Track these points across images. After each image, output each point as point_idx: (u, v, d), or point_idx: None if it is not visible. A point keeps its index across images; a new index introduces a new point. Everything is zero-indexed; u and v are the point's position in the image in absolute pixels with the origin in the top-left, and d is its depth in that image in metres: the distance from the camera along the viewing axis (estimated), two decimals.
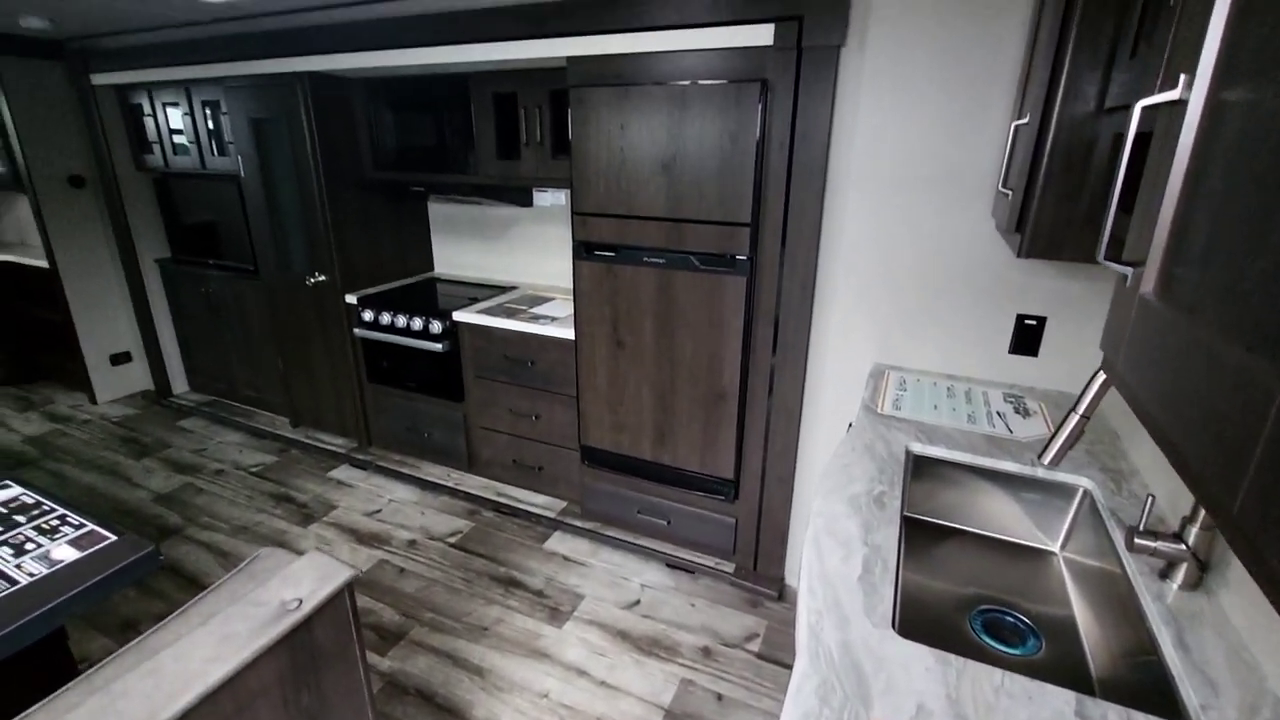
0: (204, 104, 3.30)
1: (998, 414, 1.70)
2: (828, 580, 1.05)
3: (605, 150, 2.15)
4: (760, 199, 2.01)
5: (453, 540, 2.62)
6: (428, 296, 3.09)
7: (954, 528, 1.53)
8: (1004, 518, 1.50)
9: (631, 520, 2.58)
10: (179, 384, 4.15)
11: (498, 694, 1.90)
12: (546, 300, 2.91)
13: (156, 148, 3.59)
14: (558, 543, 2.60)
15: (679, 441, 2.35)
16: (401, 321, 2.86)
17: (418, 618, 2.21)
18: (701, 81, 1.97)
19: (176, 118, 3.44)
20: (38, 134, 3.59)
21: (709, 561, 2.45)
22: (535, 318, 2.64)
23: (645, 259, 2.19)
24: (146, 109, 3.54)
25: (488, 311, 2.72)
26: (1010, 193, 1.35)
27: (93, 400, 4.02)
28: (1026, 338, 1.87)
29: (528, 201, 3.05)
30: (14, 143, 3.58)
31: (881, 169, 1.90)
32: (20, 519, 1.46)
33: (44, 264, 3.86)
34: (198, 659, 0.88)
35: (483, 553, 2.54)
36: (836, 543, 1.15)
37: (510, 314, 2.68)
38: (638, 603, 2.28)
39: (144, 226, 3.88)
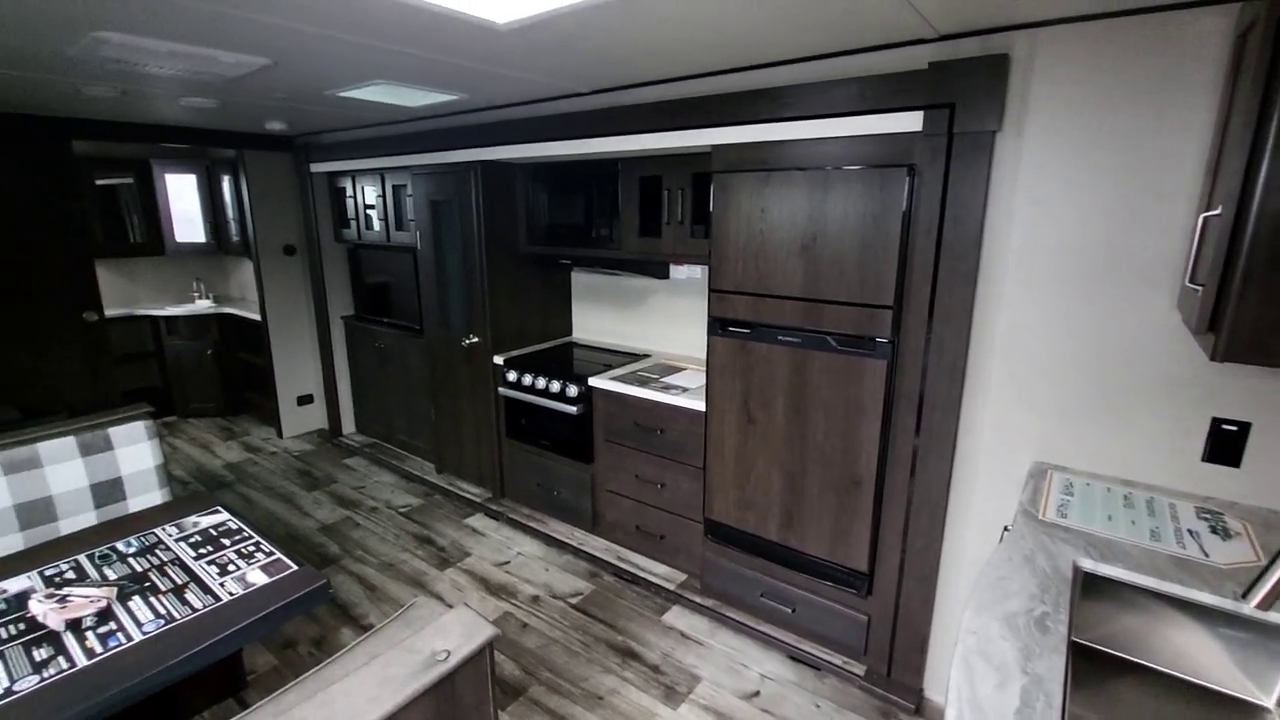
0: (393, 187, 3.84)
1: (1189, 532, 1.48)
2: (980, 709, 0.95)
3: (745, 231, 2.21)
4: (904, 282, 1.96)
5: (574, 601, 2.67)
6: (565, 360, 3.29)
7: (1133, 662, 1.34)
8: (1199, 657, 1.29)
9: (753, 603, 2.49)
10: (348, 425, 4.67)
11: None
12: (678, 370, 2.99)
13: (353, 223, 4.19)
14: (676, 617, 2.56)
15: (808, 526, 2.27)
16: (541, 383, 3.06)
17: (537, 675, 2.25)
18: (845, 167, 2.00)
19: (371, 198, 4.03)
20: (265, 211, 4.35)
21: (837, 659, 2.29)
22: (666, 387, 2.71)
23: (780, 337, 2.20)
24: (349, 191, 4.17)
25: (621, 379, 2.83)
26: (1201, 289, 1.22)
27: (280, 434, 4.63)
28: (1225, 445, 1.63)
29: (664, 274, 3.18)
30: (248, 218, 4.36)
31: (1042, 256, 1.79)
32: (225, 542, 1.71)
33: (257, 317, 4.59)
34: (361, 697, 0.97)
35: (602, 618, 2.56)
36: (990, 667, 1.05)
37: (642, 382, 2.78)
38: (757, 694, 2.17)
39: (335, 288, 4.50)
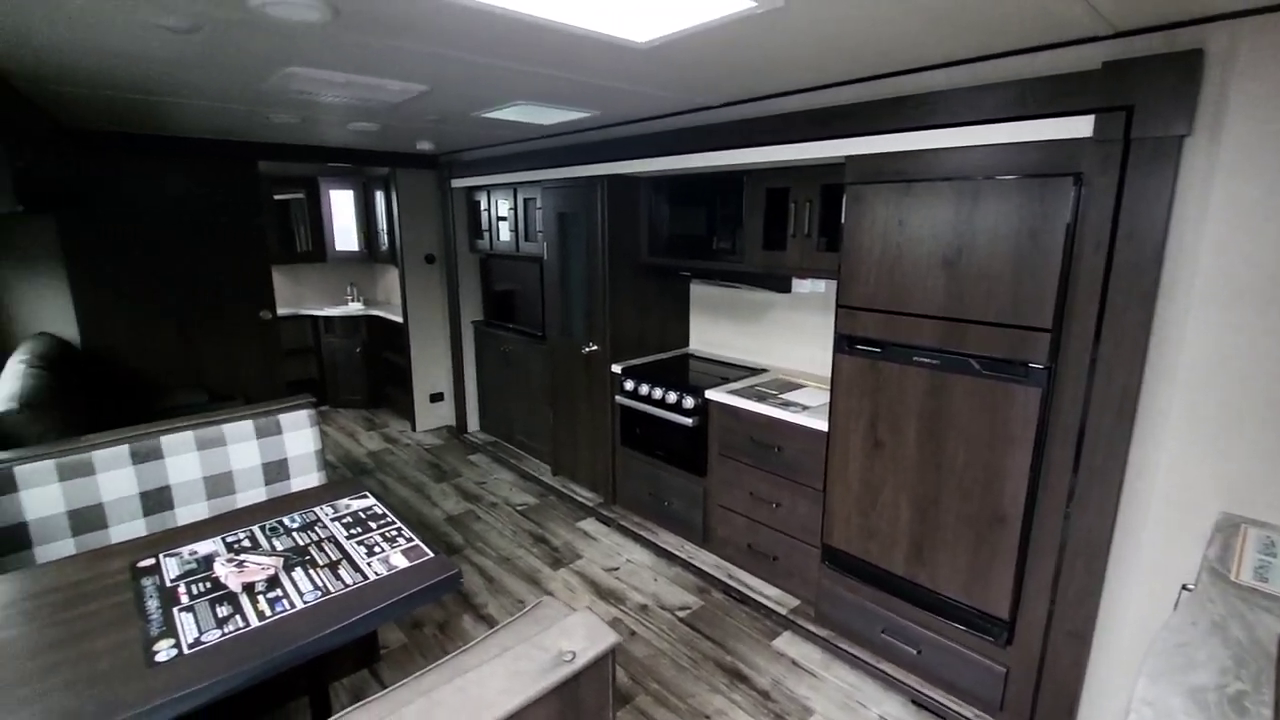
0: (524, 200, 4.05)
1: None
2: None
3: (880, 245, 2.11)
4: (1065, 303, 1.78)
5: (682, 614, 2.65)
6: (681, 371, 3.29)
7: None
8: None
9: (873, 638, 2.34)
10: (473, 423, 4.97)
11: None
12: (797, 387, 2.90)
13: (486, 234, 4.47)
14: (787, 644, 2.47)
15: (940, 562, 2.11)
16: (657, 393, 3.08)
17: (644, 686, 2.25)
18: (999, 176, 1.85)
19: (504, 211, 4.27)
20: (410, 223, 4.74)
21: (968, 711, 2.10)
22: (786, 404, 2.63)
23: (915, 358, 2.07)
24: (483, 205, 4.45)
25: (738, 393, 2.79)
26: None
27: (413, 428, 5.01)
28: None
29: (786, 287, 3.11)
30: (396, 229, 4.78)
31: (1240, 276, 1.56)
32: (372, 525, 1.86)
33: (399, 319, 5.01)
34: (494, 688, 1.01)
35: (710, 635, 2.52)
36: None
37: (760, 397, 2.72)
38: None
39: (467, 295, 4.82)
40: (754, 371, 3.19)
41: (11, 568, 1.93)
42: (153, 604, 1.48)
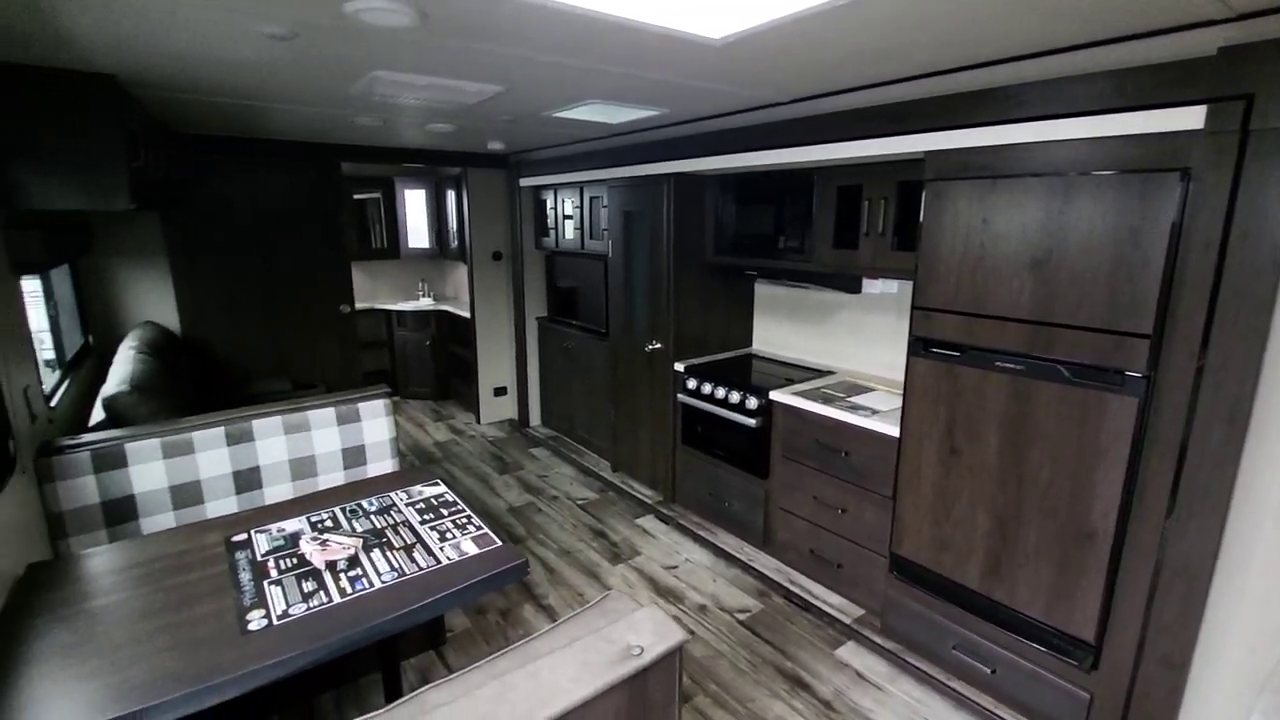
0: (590, 199, 4.09)
1: None
2: None
3: (961, 244, 2.02)
4: (1168, 308, 1.66)
5: (742, 617, 2.62)
6: (744, 372, 3.26)
7: None
8: None
9: (943, 654, 2.25)
10: (535, 418, 5.07)
11: None
12: (866, 390, 2.81)
13: (552, 232, 4.54)
14: (851, 654, 2.40)
15: (1019, 578, 2.00)
16: (720, 393, 3.06)
17: (703, 686, 2.24)
18: (1095, 172, 1.74)
19: (570, 209, 4.33)
20: (479, 222, 4.87)
21: None
22: (854, 407, 2.56)
23: (997, 363, 1.97)
24: (550, 203, 4.53)
25: (804, 394, 2.74)
26: None
27: (478, 420, 5.16)
28: None
29: (856, 288, 3.03)
30: (466, 228, 4.92)
31: None
32: (444, 512, 1.92)
33: (466, 315, 5.16)
34: (564, 676, 1.02)
35: (770, 640, 2.48)
36: None
37: (827, 400, 2.66)
38: None
39: (532, 291, 4.91)
40: (819, 373, 3.12)
41: (121, 536, 2.10)
42: (245, 576, 1.58)
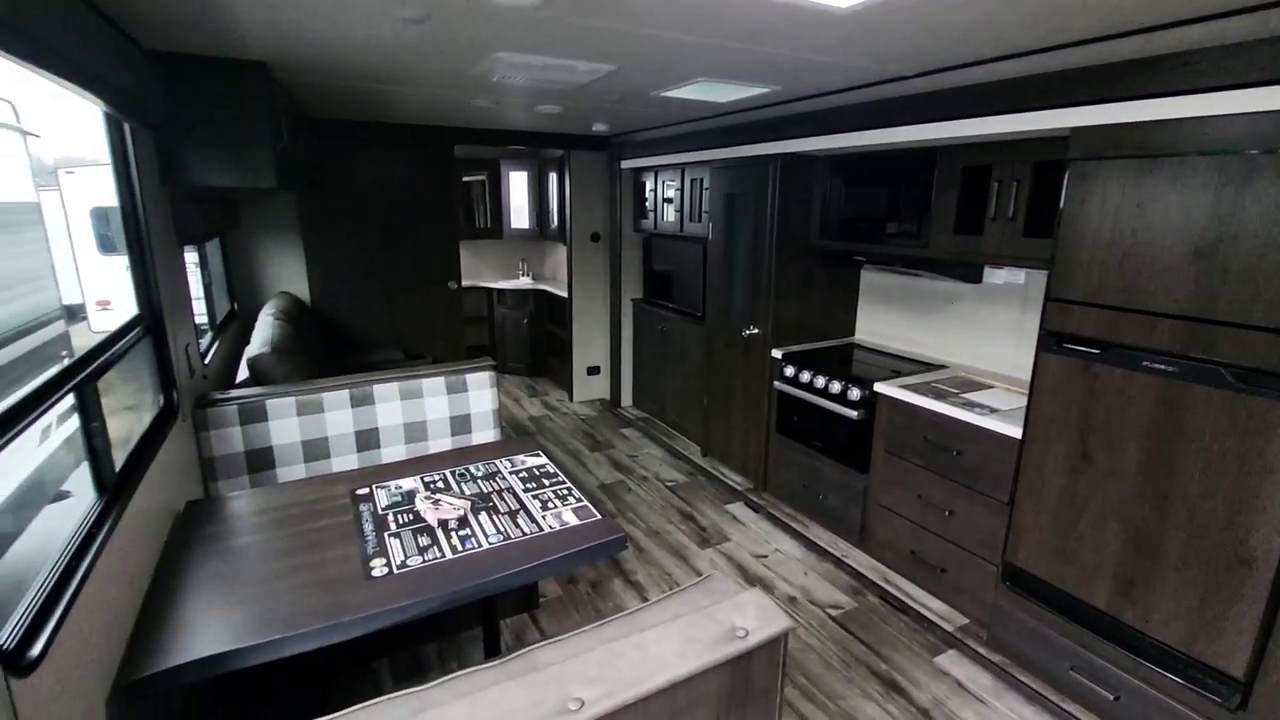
0: (691, 181, 4.05)
1: None
2: None
3: (1109, 230, 1.83)
4: None
5: (834, 613, 2.55)
6: (845, 361, 3.13)
7: None
8: None
9: (1058, 674, 2.09)
10: (626, 398, 5.13)
11: None
12: (982, 387, 2.63)
13: (651, 214, 4.55)
14: (952, 663, 2.28)
15: (1156, 601, 1.81)
16: (820, 382, 2.96)
17: (791, 678, 2.20)
18: None
19: (670, 191, 4.31)
20: (580, 203, 4.95)
21: None
22: (969, 404, 2.40)
23: (1145, 363, 1.78)
24: (650, 185, 4.53)
25: (913, 388, 2.59)
26: None
27: (571, 398, 5.29)
28: None
29: (976, 277, 2.82)
30: (567, 209, 5.02)
31: None
32: (545, 482, 1.99)
33: (564, 294, 5.28)
34: (670, 650, 1.03)
35: (864, 639, 2.40)
36: None
37: (939, 395, 2.51)
38: None
39: (629, 273, 4.95)
40: (930, 367, 2.95)
41: (260, 483, 2.32)
42: (368, 527, 1.70)
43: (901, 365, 2.98)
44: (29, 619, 1.06)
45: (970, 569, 2.40)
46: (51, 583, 1.16)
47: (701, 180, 3.94)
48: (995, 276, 2.78)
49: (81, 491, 2.49)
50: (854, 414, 2.77)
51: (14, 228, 5.14)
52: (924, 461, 2.53)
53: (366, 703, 0.95)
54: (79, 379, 1.44)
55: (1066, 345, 1.96)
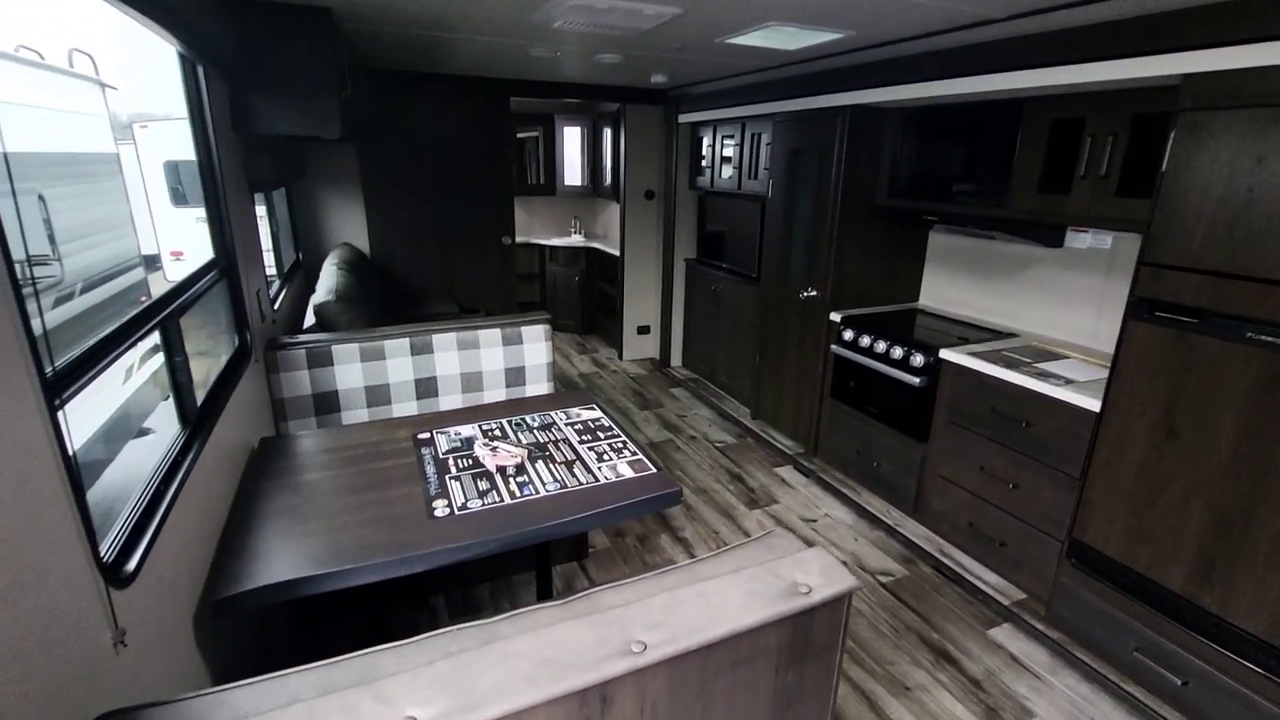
0: (752, 136, 3.91)
1: None
2: None
3: (1220, 188, 1.68)
4: None
5: (884, 580, 2.52)
6: (907, 327, 3.02)
7: None
8: None
9: (1121, 654, 2.02)
10: (675, 359, 5.11)
11: None
12: (1056, 357, 2.50)
13: (708, 171, 4.43)
14: (1007, 637, 2.23)
15: (1239, 587, 1.71)
16: (880, 347, 2.86)
17: None
18: None
19: (728, 147, 4.18)
20: (634, 159, 4.86)
21: None
22: (1043, 374, 2.29)
23: (1250, 334, 1.64)
24: (707, 141, 4.39)
25: (982, 356, 2.48)
26: None
27: (620, 357, 5.31)
28: None
29: (1056, 241, 2.65)
30: (621, 165, 4.93)
31: None
32: (600, 435, 2.00)
33: (615, 253, 5.24)
34: (731, 601, 1.02)
35: (915, 608, 2.36)
36: None
37: (1010, 364, 2.39)
38: None
39: (682, 232, 4.86)
40: (999, 335, 2.81)
41: (325, 425, 2.41)
42: (430, 469, 1.75)
43: (968, 332, 2.85)
44: (124, 537, 1.13)
45: (1032, 544, 2.32)
46: (142, 506, 1.23)
47: (762, 135, 3.80)
48: (1078, 240, 2.60)
49: (162, 429, 2.65)
50: (916, 381, 2.67)
51: (94, 177, 5.38)
52: (989, 432, 2.44)
53: (436, 631, 0.98)
54: (163, 315, 1.50)
55: (1159, 313, 1.83)
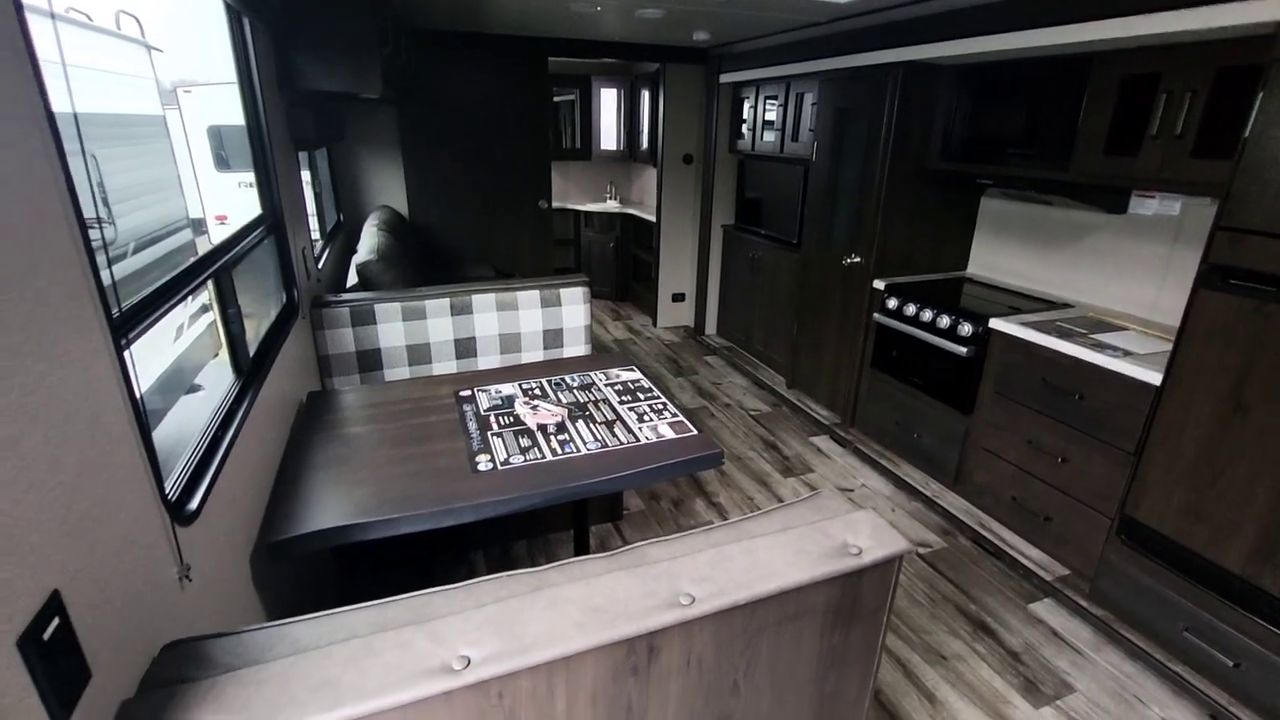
0: (797, 95, 3.78)
1: None
2: None
3: None
4: None
5: (922, 551, 2.49)
6: (954, 295, 2.92)
7: None
8: None
9: (1169, 634, 1.96)
10: (710, 327, 5.07)
11: None
12: (1114, 329, 2.39)
13: (749, 134, 4.31)
14: (1048, 611, 2.19)
15: None
16: (926, 315, 2.78)
17: None
18: None
19: (771, 108, 4.05)
20: (673, 122, 4.75)
21: None
22: (1099, 346, 2.19)
23: None
24: (749, 102, 4.26)
25: (1035, 326, 2.39)
26: None
27: (654, 324, 5.28)
28: None
29: (1119, 207, 2.52)
30: (659, 128, 4.83)
31: None
32: (640, 396, 1.99)
33: (651, 219, 5.17)
34: (780, 559, 1.01)
35: (953, 579, 2.33)
36: None
37: (1065, 335, 2.30)
38: None
39: (720, 198, 4.77)
40: (1052, 305, 2.70)
41: (369, 382, 2.46)
42: (473, 426, 1.77)
43: (1020, 302, 2.75)
44: (186, 478, 1.17)
45: (1078, 519, 2.26)
46: (201, 451, 1.27)
47: (807, 95, 3.67)
48: (1144, 206, 2.47)
49: (211, 386, 2.74)
50: (962, 351, 2.59)
51: (142, 139, 5.50)
52: (1039, 405, 2.36)
53: (485, 577, 1.00)
54: (216, 266, 1.53)
55: (1234, 281, 1.73)
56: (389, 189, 4.26)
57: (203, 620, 1.08)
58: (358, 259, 2.76)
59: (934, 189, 3.10)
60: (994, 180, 2.78)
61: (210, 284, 1.57)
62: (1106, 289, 2.65)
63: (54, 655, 0.68)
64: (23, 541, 0.65)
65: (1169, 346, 1.94)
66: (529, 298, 2.64)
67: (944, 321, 2.69)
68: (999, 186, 2.84)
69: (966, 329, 2.59)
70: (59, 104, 0.84)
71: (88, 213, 0.90)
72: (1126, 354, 2.12)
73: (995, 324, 2.49)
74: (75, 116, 3.07)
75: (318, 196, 3.63)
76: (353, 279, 2.81)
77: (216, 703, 0.77)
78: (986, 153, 2.73)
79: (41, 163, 0.78)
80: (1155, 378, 1.95)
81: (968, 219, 3.25)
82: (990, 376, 2.56)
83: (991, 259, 3.19)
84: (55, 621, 0.69)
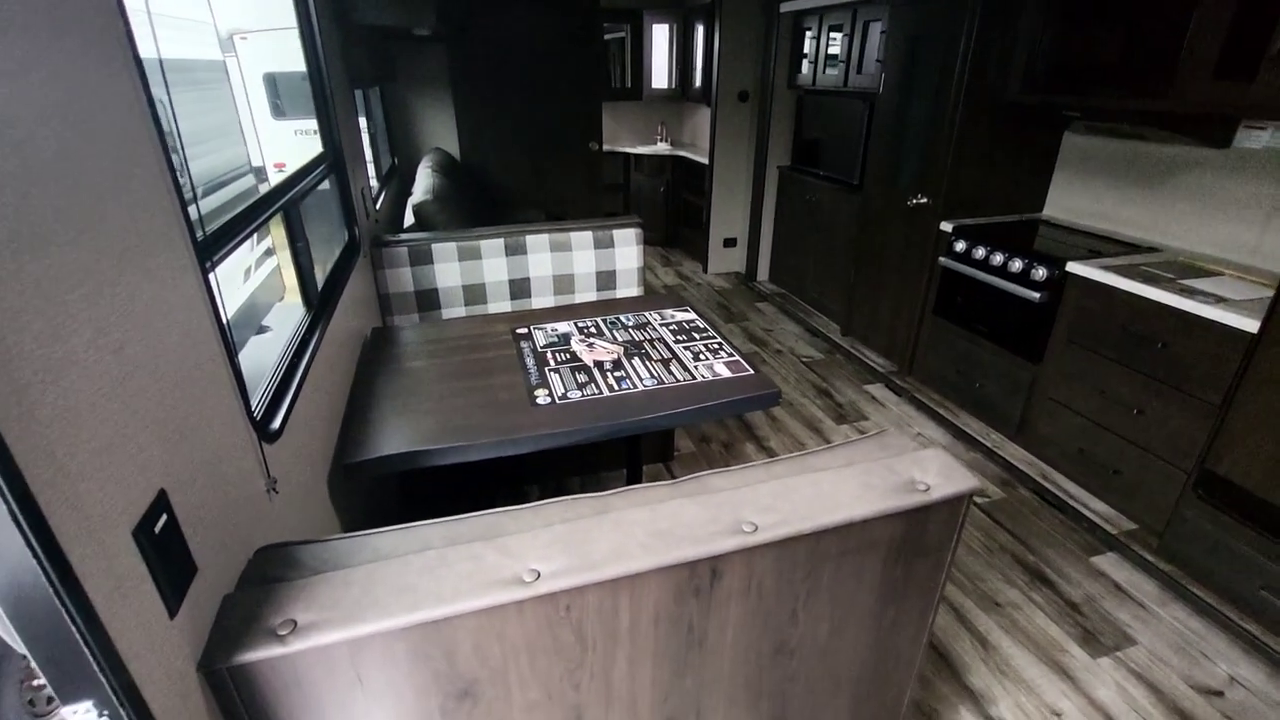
0: (864, 24, 3.54)
1: None
2: None
3: None
4: None
5: (980, 501, 2.44)
6: (1027, 238, 2.76)
7: None
8: None
9: (1243, 592, 1.89)
10: (762, 273, 4.96)
11: (1000, 677, 1.74)
12: (1207, 274, 2.23)
13: (809, 67, 4.09)
14: (1111, 565, 2.13)
15: None
16: (997, 259, 2.64)
17: None
18: None
19: (835, 39, 3.82)
20: (728, 58, 4.54)
21: None
22: (1189, 291, 2.05)
23: None
24: (812, 33, 4.03)
25: (1118, 270, 2.24)
26: None
27: (705, 270, 5.21)
28: None
29: (1224, 140, 2.30)
30: (714, 64, 4.63)
31: None
32: (695, 335, 1.97)
33: (703, 160, 5.02)
34: (845, 492, 1.00)
35: (1011, 529, 2.29)
36: None
37: (1150, 280, 2.15)
38: (1219, 695, 1.70)
39: (777, 137, 4.58)
40: (1137, 248, 2.52)
41: (427, 320, 2.51)
42: (530, 361, 1.79)
43: (1101, 245, 2.58)
44: (268, 400, 1.23)
45: (1151, 473, 2.16)
46: (279, 377, 1.33)
47: (874, 24, 3.44)
48: (1252, 139, 2.25)
49: (278, 327, 2.83)
50: (1035, 297, 2.46)
51: (205, 85, 5.60)
52: (1116, 353, 2.24)
53: (551, 499, 1.02)
54: (285, 199, 1.56)
55: None
56: (440, 133, 4.25)
57: (288, 531, 1.15)
58: (414, 199, 2.79)
59: (1011, 124, 2.89)
60: (1081, 113, 2.57)
61: (280, 218, 1.61)
62: (1200, 231, 2.45)
63: (164, 548, 0.73)
64: (133, 440, 0.70)
65: (1269, 293, 1.80)
66: (582, 239, 2.62)
67: (1016, 265, 2.55)
68: (1086, 119, 2.63)
69: (1041, 273, 2.45)
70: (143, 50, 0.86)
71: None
72: (1219, 300, 1.98)
73: (1073, 268, 2.35)
74: (160, 62, 3.15)
75: (373, 138, 3.65)
76: (409, 220, 2.84)
77: (309, 600, 0.82)
78: (1074, 82, 2.51)
79: (128, 86, 0.80)
80: (1251, 325, 1.81)
81: (1047, 156, 3.03)
82: (1064, 323, 2.43)
83: (1072, 199, 2.98)
84: (164, 518, 0.74)
